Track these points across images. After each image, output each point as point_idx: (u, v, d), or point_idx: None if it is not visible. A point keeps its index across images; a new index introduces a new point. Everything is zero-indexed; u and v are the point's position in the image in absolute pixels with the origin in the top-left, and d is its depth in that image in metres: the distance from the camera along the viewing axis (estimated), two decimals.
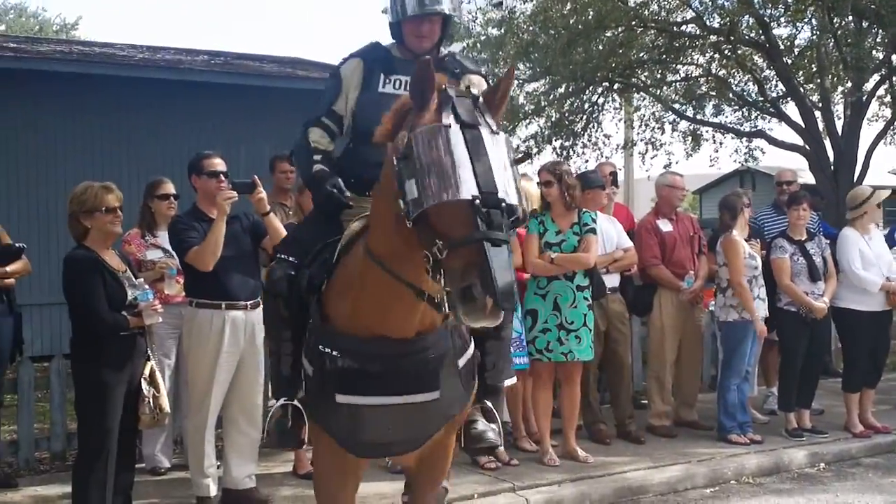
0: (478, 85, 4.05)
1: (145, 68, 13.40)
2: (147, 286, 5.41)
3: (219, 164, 6.15)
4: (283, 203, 7.35)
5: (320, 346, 3.48)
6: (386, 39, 4.43)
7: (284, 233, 5.92)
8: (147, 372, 5.25)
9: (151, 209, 6.81)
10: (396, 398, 3.42)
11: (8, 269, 6.58)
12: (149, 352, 5.38)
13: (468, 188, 2.71)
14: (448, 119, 2.89)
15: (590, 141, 20.15)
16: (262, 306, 5.30)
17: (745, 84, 19.15)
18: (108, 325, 5.07)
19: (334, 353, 3.43)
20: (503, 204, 2.72)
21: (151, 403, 5.21)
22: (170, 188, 6.83)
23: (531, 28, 18.51)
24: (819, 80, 16.31)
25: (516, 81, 20.67)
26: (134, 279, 5.31)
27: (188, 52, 16.10)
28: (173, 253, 6.36)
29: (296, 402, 3.76)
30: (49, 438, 7.22)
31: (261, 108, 12.85)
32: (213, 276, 5.87)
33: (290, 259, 3.89)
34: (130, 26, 68.13)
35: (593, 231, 7.19)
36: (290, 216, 7.04)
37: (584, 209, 7.27)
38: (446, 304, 2.79)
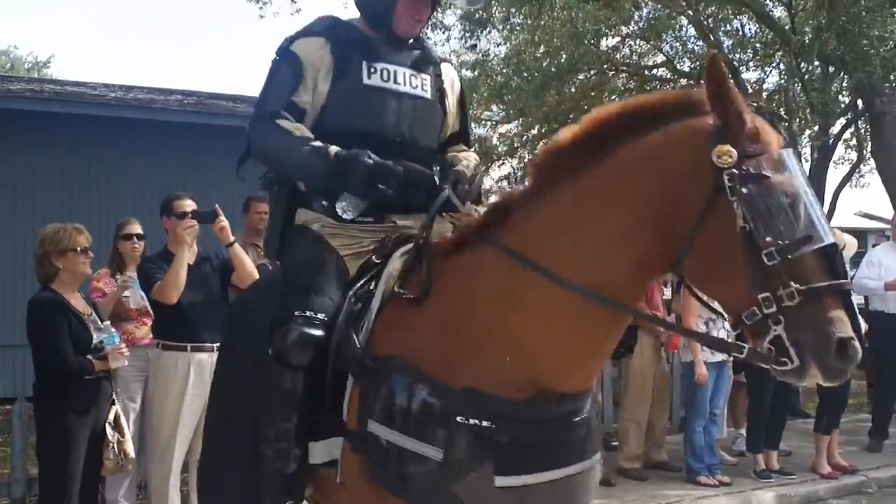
0: (453, 76, 3.71)
1: (117, 107, 13.34)
2: (113, 329, 5.38)
3: (189, 205, 6.14)
4: (255, 244, 7.32)
5: (459, 419, 2.67)
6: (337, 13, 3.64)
7: (251, 265, 5.96)
8: (112, 416, 5.22)
9: (119, 250, 6.77)
10: (570, 469, 2.79)
11: None
12: (114, 396, 5.35)
13: (829, 230, 2.39)
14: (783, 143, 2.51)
15: None
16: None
17: None
18: (74, 369, 5.04)
19: (486, 423, 2.66)
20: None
21: (116, 449, 5.17)
22: (134, 228, 6.78)
23: (505, 70, 18.73)
24: (787, 124, 16.55)
25: (488, 123, 20.90)
26: (100, 322, 5.29)
27: (161, 91, 16.06)
28: (143, 294, 6.32)
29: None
30: (9, 484, 7.07)
31: (234, 148, 12.78)
32: (180, 317, 5.85)
33: (317, 315, 3.03)
34: (103, 65, 68.13)
35: None
36: (261, 257, 7.02)
37: None
38: (772, 358, 2.35)
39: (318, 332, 2.98)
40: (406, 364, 2.78)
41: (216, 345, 5.86)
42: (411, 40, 3.51)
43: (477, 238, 2.88)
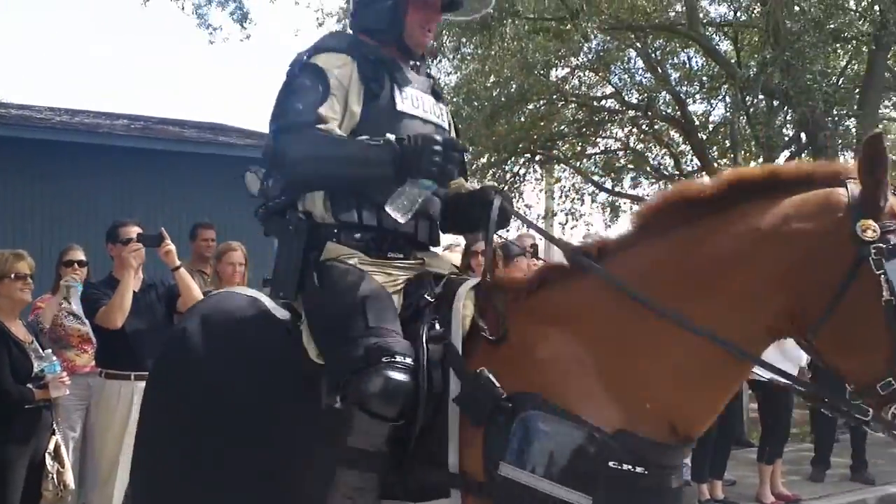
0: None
1: (63, 131, 13.17)
2: (54, 357, 5.31)
3: (134, 231, 6.10)
4: (202, 271, 7.27)
5: (612, 464, 2.57)
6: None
7: (197, 291, 5.91)
8: (52, 447, 5.14)
9: (62, 276, 6.69)
10: None
11: None
12: (54, 425, 5.26)
13: None
14: None
15: None
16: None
17: (662, 158, 19.74)
18: (13, 398, 4.97)
19: (639, 469, 2.59)
20: None
21: (55, 479, 5.09)
22: (76, 255, 6.71)
23: (455, 99, 18.79)
24: (732, 156, 16.84)
25: None
26: (41, 350, 5.22)
27: (108, 115, 15.90)
28: (85, 320, 6.25)
29: None
30: None
31: (181, 173, 12.74)
32: (124, 345, 5.79)
33: (405, 360, 2.73)
34: (49, 88, 67.26)
35: None
36: (208, 284, 6.97)
37: None
38: (893, 425, 2.49)
39: (407, 378, 2.69)
40: (547, 403, 2.62)
41: None
42: (418, 61, 3.32)
43: (570, 275, 2.84)
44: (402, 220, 2.97)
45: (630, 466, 2.56)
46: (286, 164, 3.07)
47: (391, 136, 2.95)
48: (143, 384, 5.67)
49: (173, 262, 5.87)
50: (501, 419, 2.63)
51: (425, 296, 2.98)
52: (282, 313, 3.21)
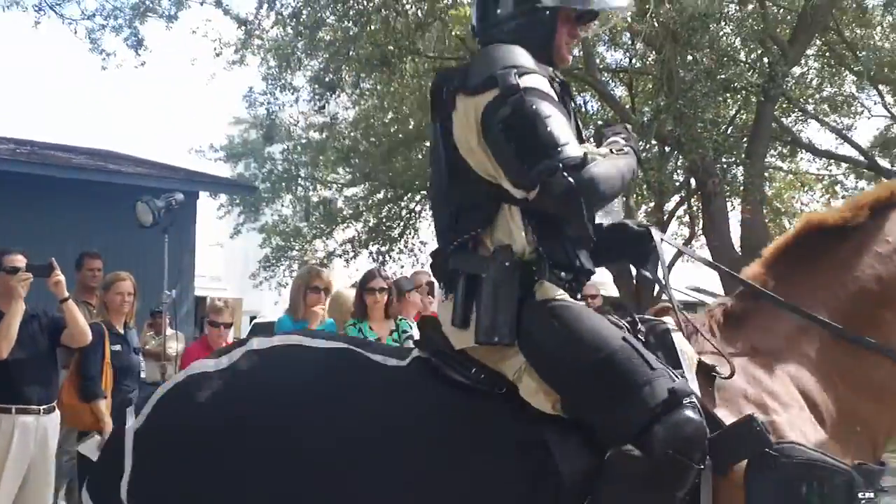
0: None
1: None
2: None
3: (20, 260, 5.91)
4: (87, 302, 7.06)
5: (860, 494, 2.61)
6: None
7: (84, 323, 5.85)
8: None
9: None
10: None
11: None
12: None
13: None
14: None
15: (406, 247, 20.45)
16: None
17: None
18: None
19: (870, 494, 2.67)
20: None
21: None
22: None
23: (353, 134, 18.81)
24: (624, 199, 17.20)
25: (334, 185, 20.90)
26: None
27: None
28: None
29: None
30: None
31: (68, 201, 12.40)
32: (5, 377, 5.59)
33: (692, 401, 2.55)
34: None
35: (412, 338, 7.17)
36: (94, 315, 6.76)
37: (402, 316, 7.25)
38: None
39: (702, 419, 2.54)
40: (806, 446, 2.62)
41: (43, 407, 5.63)
42: None
43: (749, 310, 2.99)
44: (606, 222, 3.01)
45: (870, 495, 2.64)
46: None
47: (607, 147, 2.89)
48: (24, 418, 5.55)
49: (62, 294, 5.72)
50: (765, 466, 2.57)
51: (638, 337, 2.78)
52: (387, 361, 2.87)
